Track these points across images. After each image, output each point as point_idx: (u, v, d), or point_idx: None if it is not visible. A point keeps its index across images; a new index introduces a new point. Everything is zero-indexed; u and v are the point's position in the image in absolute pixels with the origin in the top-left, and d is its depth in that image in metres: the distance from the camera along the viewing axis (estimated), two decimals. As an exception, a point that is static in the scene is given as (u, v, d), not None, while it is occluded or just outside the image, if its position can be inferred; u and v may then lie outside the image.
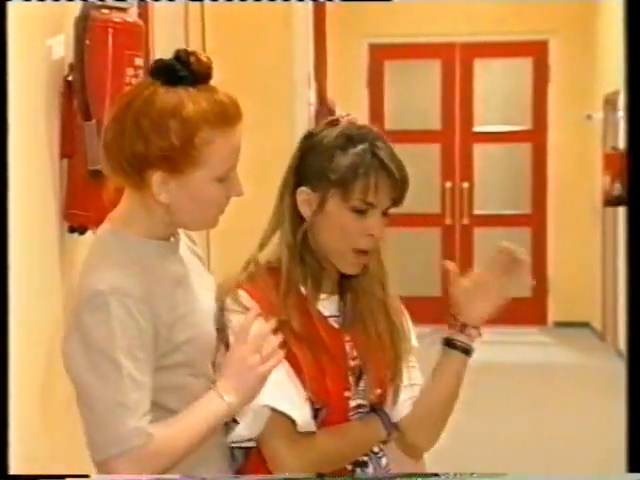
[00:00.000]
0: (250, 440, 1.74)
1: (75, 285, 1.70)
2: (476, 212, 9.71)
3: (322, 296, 1.77)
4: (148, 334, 1.64)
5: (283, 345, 1.69)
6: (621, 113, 8.08)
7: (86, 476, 1.67)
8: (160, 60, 1.70)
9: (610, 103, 8.56)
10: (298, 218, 1.75)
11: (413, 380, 1.81)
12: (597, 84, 9.12)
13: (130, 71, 2.52)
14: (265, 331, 1.69)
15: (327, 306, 1.77)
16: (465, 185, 9.67)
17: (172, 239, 1.75)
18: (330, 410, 1.74)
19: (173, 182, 1.66)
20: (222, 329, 1.75)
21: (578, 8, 9.32)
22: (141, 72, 2.56)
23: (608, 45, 8.72)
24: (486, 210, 9.71)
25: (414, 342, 1.84)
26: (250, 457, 1.77)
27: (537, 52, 9.62)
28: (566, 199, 9.54)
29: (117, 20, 2.50)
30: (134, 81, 2.52)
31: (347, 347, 1.76)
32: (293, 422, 1.71)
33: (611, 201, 8.07)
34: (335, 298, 1.78)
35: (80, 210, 2.52)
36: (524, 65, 9.66)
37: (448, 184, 9.69)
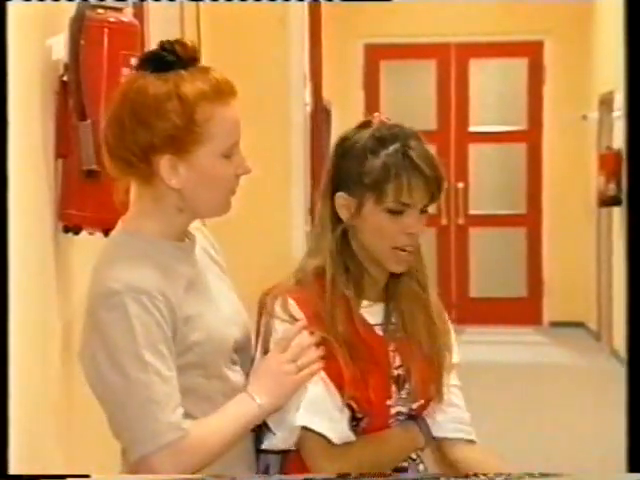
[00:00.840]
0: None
1: (88, 285, 1.70)
2: (471, 212, 9.72)
3: (366, 303, 1.77)
4: (167, 329, 1.65)
5: (323, 358, 1.71)
6: (616, 113, 8.09)
7: (86, 476, 1.67)
8: (146, 53, 1.73)
9: (605, 103, 8.57)
10: (338, 223, 1.76)
11: (453, 399, 1.82)
12: (592, 84, 9.13)
13: (126, 71, 2.51)
14: (306, 343, 1.71)
15: (372, 313, 1.77)
16: (460, 185, 9.68)
17: (187, 240, 1.76)
18: (371, 419, 1.74)
19: (181, 164, 1.68)
20: (265, 335, 1.76)
21: (573, 9, 9.33)
22: (136, 72, 2.56)
23: (603, 45, 8.73)
24: (481, 210, 9.72)
25: (455, 358, 1.83)
26: (286, 463, 1.78)
27: (532, 52, 9.63)
28: (561, 199, 9.55)
29: (112, 20, 2.50)
30: (129, 81, 2.52)
31: (391, 355, 1.76)
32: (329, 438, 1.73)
33: (606, 201, 8.08)
34: (380, 306, 1.78)
35: (75, 210, 2.52)
36: (519, 65, 9.67)
37: (443, 184, 9.70)
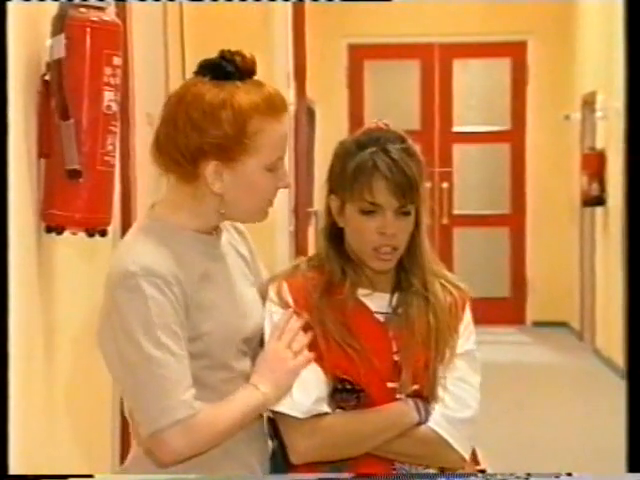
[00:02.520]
0: None
1: (109, 265, 1.76)
2: (455, 212, 9.74)
3: (366, 292, 1.84)
4: (181, 312, 1.71)
5: (314, 340, 1.80)
6: (599, 114, 8.12)
7: (87, 476, 1.71)
8: (205, 59, 1.79)
9: (588, 104, 8.60)
10: (333, 222, 1.86)
11: (446, 394, 1.84)
12: (575, 85, 9.17)
13: (108, 70, 2.50)
14: (296, 328, 1.79)
15: (374, 301, 1.84)
16: (444, 185, 9.70)
17: (214, 234, 1.81)
18: (372, 398, 1.80)
19: (226, 171, 1.74)
20: (266, 318, 1.84)
21: (556, 9, 9.36)
22: (119, 71, 2.55)
23: (586, 46, 8.76)
24: (465, 210, 9.74)
25: (466, 347, 1.87)
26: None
27: (515, 53, 9.66)
28: (544, 199, 9.58)
29: (95, 19, 2.49)
30: (112, 80, 2.51)
31: (391, 342, 1.82)
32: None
33: (589, 201, 8.11)
34: (386, 295, 1.85)
35: (57, 210, 2.51)
36: (503, 65, 9.70)
37: (428, 184, 9.70)
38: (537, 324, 9.60)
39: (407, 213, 1.82)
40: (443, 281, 1.88)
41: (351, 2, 8.64)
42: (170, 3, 4.45)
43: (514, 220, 9.76)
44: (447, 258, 9.75)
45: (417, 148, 1.87)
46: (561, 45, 9.33)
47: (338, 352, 1.80)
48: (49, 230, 2.53)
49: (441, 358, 1.83)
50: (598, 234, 8.24)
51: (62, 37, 2.43)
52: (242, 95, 1.73)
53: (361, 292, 1.85)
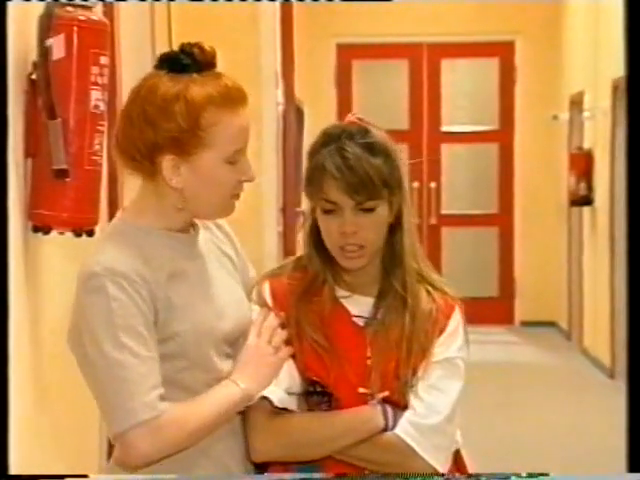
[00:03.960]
0: None
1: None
2: (444, 212, 9.75)
3: (346, 294, 1.82)
4: (148, 312, 1.69)
5: (296, 337, 1.79)
6: (586, 114, 8.13)
7: (86, 476, 1.70)
8: (164, 52, 1.77)
9: (575, 103, 8.62)
10: (314, 222, 1.84)
11: (416, 401, 1.79)
12: (562, 85, 9.18)
13: (95, 70, 2.50)
14: (275, 324, 1.78)
15: (356, 305, 1.82)
16: (433, 185, 9.70)
17: (191, 232, 1.79)
18: (342, 403, 1.78)
19: (184, 166, 1.71)
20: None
21: (544, 9, 9.37)
22: (107, 71, 2.54)
23: (573, 46, 8.78)
24: (454, 210, 9.75)
25: (446, 354, 1.81)
26: None
27: (503, 53, 9.67)
28: (532, 199, 9.60)
29: (82, 18, 2.48)
30: (99, 80, 2.50)
31: (367, 346, 1.79)
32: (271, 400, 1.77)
33: (576, 201, 8.13)
34: (370, 300, 1.82)
35: (44, 210, 2.50)
36: (491, 65, 9.71)
37: (416, 184, 9.71)
38: (525, 324, 9.62)
39: (369, 210, 1.78)
40: (429, 286, 1.84)
41: (340, 2, 8.63)
42: (157, 3, 4.44)
43: (502, 220, 9.78)
44: (435, 258, 9.76)
45: (388, 142, 1.83)
46: (549, 45, 9.35)
47: (311, 354, 1.78)
48: (36, 230, 2.52)
49: (413, 364, 1.78)
50: (586, 234, 8.26)
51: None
52: (196, 87, 1.70)
53: (342, 294, 1.82)
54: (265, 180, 5.24)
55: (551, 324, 9.47)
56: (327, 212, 1.78)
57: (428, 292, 1.83)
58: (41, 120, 2.46)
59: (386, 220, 1.81)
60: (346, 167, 1.76)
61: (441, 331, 1.82)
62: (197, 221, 1.81)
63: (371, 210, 1.78)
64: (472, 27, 9.51)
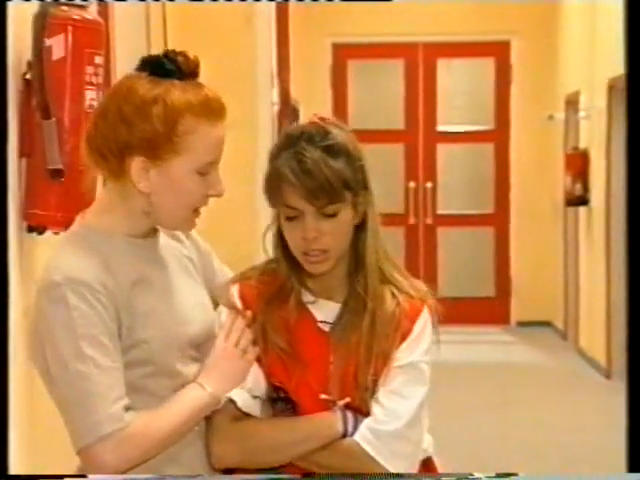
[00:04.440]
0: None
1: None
2: (439, 212, 9.75)
3: (311, 299, 1.79)
4: (110, 321, 1.66)
5: (261, 339, 1.77)
6: (582, 114, 8.13)
7: (86, 476, 1.67)
8: (149, 55, 1.74)
9: (571, 103, 8.62)
10: (278, 225, 1.81)
11: (376, 407, 1.75)
12: (558, 84, 9.19)
13: (90, 69, 2.49)
14: (242, 327, 1.76)
15: (322, 310, 1.79)
16: (428, 185, 9.70)
17: (153, 237, 1.76)
18: (304, 409, 1.75)
19: (153, 170, 1.69)
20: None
21: (540, 9, 9.38)
22: (101, 70, 2.53)
23: (569, 46, 8.78)
24: (449, 210, 9.75)
25: (410, 359, 1.78)
26: None
27: (499, 52, 9.67)
28: (528, 199, 9.60)
29: (76, 17, 2.47)
30: (94, 79, 2.50)
31: (330, 352, 1.77)
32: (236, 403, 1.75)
33: (572, 201, 8.13)
34: (336, 305, 1.79)
35: (39, 209, 2.49)
36: (486, 65, 9.71)
37: (411, 184, 9.71)
38: (521, 324, 9.62)
39: (331, 215, 1.73)
40: (394, 289, 1.79)
41: (337, 2, 8.62)
42: (153, 3, 4.43)
43: (498, 220, 9.78)
44: (431, 258, 9.76)
45: (349, 142, 1.77)
46: (544, 45, 9.35)
47: (274, 360, 1.76)
48: (31, 230, 2.51)
49: (374, 370, 1.75)
50: (581, 234, 8.26)
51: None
52: (177, 93, 1.68)
53: (309, 300, 1.79)
54: (260, 179, 5.23)
55: (547, 324, 9.47)
56: (289, 218, 1.74)
57: (393, 295, 1.78)
58: (36, 120, 2.45)
59: (350, 223, 1.76)
60: (303, 172, 1.72)
61: (405, 335, 1.78)
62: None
63: (333, 215, 1.74)
64: (468, 27, 9.51)
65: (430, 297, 1.84)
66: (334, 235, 1.74)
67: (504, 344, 9.10)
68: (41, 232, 2.52)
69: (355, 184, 1.75)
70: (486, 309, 9.58)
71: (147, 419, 1.66)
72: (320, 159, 1.73)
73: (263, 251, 1.84)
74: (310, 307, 1.79)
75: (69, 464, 2.66)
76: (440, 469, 1.85)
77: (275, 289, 1.79)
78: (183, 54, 1.72)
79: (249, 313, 1.77)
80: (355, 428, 1.74)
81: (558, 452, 5.50)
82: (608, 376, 7.16)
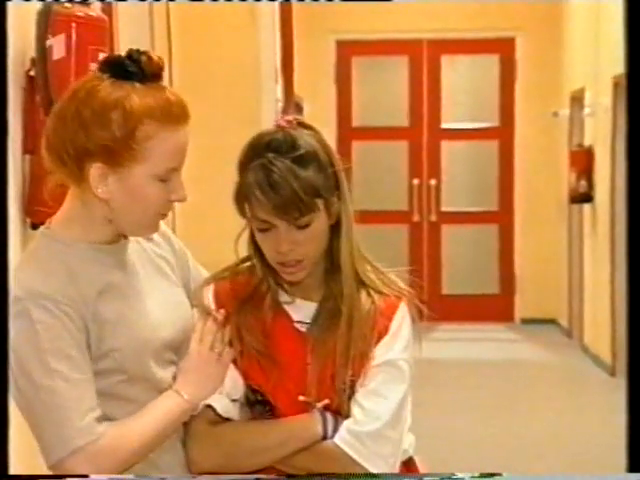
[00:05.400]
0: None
1: None
2: (444, 209, 9.74)
3: (288, 299, 1.76)
4: (78, 333, 1.63)
5: (236, 339, 1.73)
6: (587, 110, 8.12)
7: (86, 476, 1.65)
8: (109, 55, 1.70)
9: (576, 100, 8.60)
10: (251, 229, 1.76)
11: (355, 408, 1.73)
12: (563, 81, 9.17)
13: (94, 66, 2.47)
14: (216, 329, 1.72)
15: (299, 311, 1.76)
16: (433, 182, 9.69)
17: (121, 241, 1.72)
18: (283, 411, 1.73)
19: (112, 176, 1.64)
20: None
21: (544, 6, 9.36)
22: (105, 67, 2.53)
23: (574, 42, 8.77)
24: (454, 207, 9.74)
25: (387, 357, 1.74)
26: None
27: (504, 49, 9.66)
28: (533, 196, 9.59)
29: (80, 14, 2.47)
30: (98, 76, 2.49)
31: (307, 353, 1.74)
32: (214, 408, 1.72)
33: (577, 198, 8.11)
34: (312, 305, 1.76)
35: (43, 206, 2.48)
36: (491, 62, 9.69)
37: (416, 181, 9.70)
38: (525, 321, 9.61)
39: (304, 226, 1.69)
40: (369, 288, 1.75)
41: (338, 2, 8.60)
42: (156, 3, 4.42)
43: (502, 217, 9.76)
44: (435, 255, 9.75)
45: (318, 149, 1.70)
46: (549, 42, 9.33)
47: (251, 362, 1.73)
48: (35, 227, 2.51)
49: (352, 371, 1.71)
50: (586, 231, 8.25)
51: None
52: (136, 98, 1.62)
53: (285, 300, 1.76)
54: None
55: (551, 321, 9.46)
56: (262, 231, 1.70)
57: (368, 294, 1.75)
58: (39, 117, 2.45)
59: (325, 228, 1.73)
60: (270, 186, 1.67)
61: (381, 334, 1.74)
62: None
63: (306, 226, 1.70)
64: (472, 23, 9.50)
65: (407, 293, 1.79)
66: (308, 245, 1.71)
67: (508, 342, 9.09)
68: (45, 229, 2.51)
69: (326, 191, 1.71)
70: (490, 306, 9.57)
71: (121, 430, 1.63)
72: (288, 171, 1.67)
73: (234, 253, 1.79)
74: (286, 307, 1.76)
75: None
76: (422, 469, 1.82)
77: (250, 289, 1.75)
78: (147, 54, 1.66)
79: (222, 312, 1.74)
80: (335, 430, 1.72)
81: (563, 450, 5.49)
82: (613, 373, 7.15)
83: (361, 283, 1.76)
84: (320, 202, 1.70)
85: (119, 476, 1.64)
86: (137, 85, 1.64)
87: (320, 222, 1.71)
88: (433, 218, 9.70)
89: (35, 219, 2.51)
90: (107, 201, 1.65)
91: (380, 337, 1.74)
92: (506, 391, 7.14)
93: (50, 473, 1.68)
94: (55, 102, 2.40)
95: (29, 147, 2.47)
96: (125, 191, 1.64)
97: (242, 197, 1.70)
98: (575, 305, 8.68)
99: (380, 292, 1.76)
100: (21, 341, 1.61)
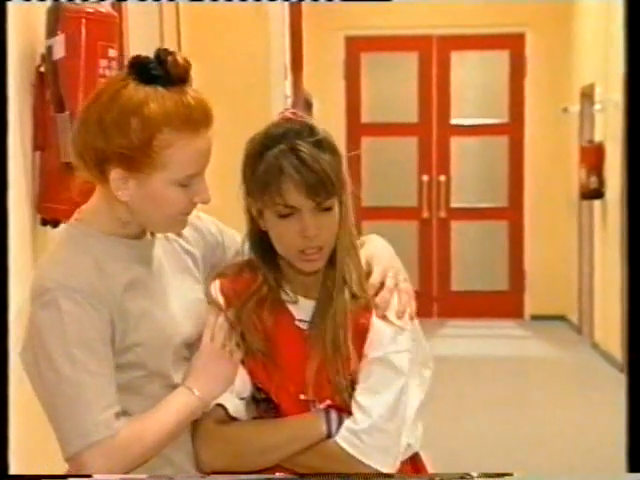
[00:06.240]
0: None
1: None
2: (453, 205, 9.72)
3: (292, 297, 1.77)
4: (104, 326, 1.64)
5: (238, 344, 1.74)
6: (597, 106, 8.10)
7: (86, 476, 1.66)
8: (137, 56, 1.68)
9: (586, 96, 8.58)
10: (255, 225, 1.76)
11: (355, 407, 1.73)
12: (573, 77, 9.14)
13: (104, 62, 2.49)
14: (227, 326, 1.72)
15: (301, 309, 1.77)
16: (442, 178, 9.68)
17: (147, 237, 1.73)
18: (285, 410, 1.74)
19: (132, 181, 1.65)
20: None
21: (554, 1, 9.33)
22: (115, 64, 2.53)
23: (584, 38, 8.74)
24: (463, 203, 9.72)
25: (378, 353, 1.74)
26: None
27: (514, 45, 9.63)
28: (543, 192, 9.56)
29: (90, 10, 2.47)
30: (108, 72, 2.49)
31: (308, 351, 1.75)
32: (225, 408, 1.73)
33: (587, 194, 8.09)
34: (312, 303, 1.77)
35: (53, 203, 2.49)
36: (501, 58, 9.67)
37: (425, 177, 9.69)
38: (535, 318, 9.59)
39: (328, 209, 1.70)
40: (353, 285, 1.75)
41: (349, 2, 8.58)
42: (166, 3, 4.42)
43: (512, 213, 9.74)
44: (445, 251, 9.74)
45: (330, 136, 1.73)
46: (559, 37, 9.31)
47: (254, 361, 1.74)
48: (44, 223, 2.52)
49: (348, 368, 1.72)
50: (596, 227, 8.23)
51: (62, 37, 2.41)
52: (156, 104, 1.61)
53: (287, 298, 1.76)
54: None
55: (561, 318, 9.44)
56: (284, 216, 1.69)
57: (350, 290, 1.75)
58: (49, 113, 2.45)
59: (338, 218, 1.74)
60: (304, 167, 1.67)
61: (366, 330, 1.75)
62: None
63: (329, 209, 1.71)
64: (482, 19, 9.48)
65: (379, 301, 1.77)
66: (329, 231, 1.72)
67: (518, 338, 9.07)
68: (55, 225, 2.52)
69: (341, 179, 1.73)
70: (500, 303, 9.56)
71: (136, 426, 1.63)
72: (315, 153, 1.69)
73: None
74: (288, 305, 1.76)
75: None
76: (428, 465, 1.82)
77: (253, 288, 1.75)
78: (174, 56, 1.64)
79: (232, 312, 1.74)
80: (338, 428, 1.73)
81: (572, 447, 5.48)
82: (623, 370, 7.13)
83: (345, 281, 1.76)
84: (338, 189, 1.71)
85: (129, 476, 1.64)
86: (159, 89, 1.63)
87: (336, 209, 1.73)
88: (442, 214, 9.68)
89: (45, 215, 2.51)
90: (128, 203, 1.66)
91: (364, 334, 1.75)
92: (515, 388, 7.13)
93: (48, 473, 1.69)
94: (64, 99, 2.41)
95: (39, 143, 2.47)
96: (145, 195, 1.65)
97: (269, 182, 1.69)
98: (585, 301, 8.66)
99: (363, 288, 1.75)
100: (48, 331, 1.61)
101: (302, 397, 1.74)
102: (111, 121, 1.62)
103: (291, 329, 1.76)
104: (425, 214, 9.68)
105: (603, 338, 7.93)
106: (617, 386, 6.91)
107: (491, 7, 9.41)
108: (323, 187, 1.69)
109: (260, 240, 1.75)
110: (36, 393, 1.66)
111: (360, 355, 1.74)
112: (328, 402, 1.74)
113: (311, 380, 1.73)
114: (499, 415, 6.26)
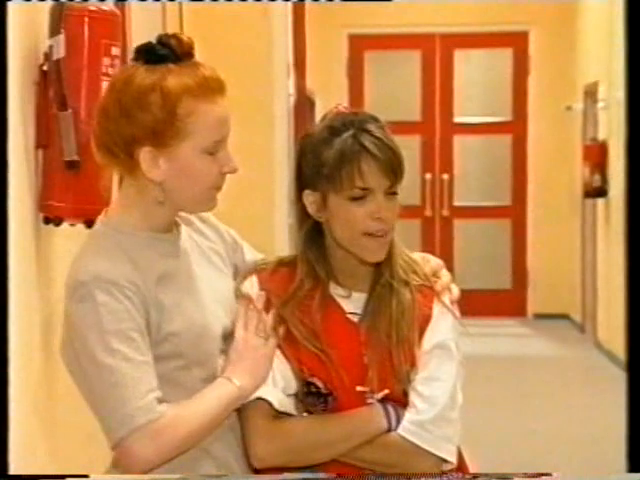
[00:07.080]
0: None
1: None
2: (456, 204, 9.72)
3: (342, 292, 1.78)
4: (140, 317, 1.67)
5: (280, 324, 1.75)
6: (601, 104, 8.09)
7: (86, 476, 1.68)
8: (141, 44, 1.73)
9: (589, 94, 8.57)
10: (307, 220, 1.78)
11: (415, 397, 1.74)
12: (577, 75, 9.14)
13: (107, 60, 2.49)
14: (258, 314, 1.75)
15: (350, 302, 1.78)
16: (445, 177, 9.67)
17: (174, 231, 1.76)
18: (341, 402, 1.74)
19: (162, 157, 1.68)
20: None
21: (558, -1, 9.33)
22: (118, 62, 2.53)
23: (588, 36, 8.73)
24: (466, 202, 9.72)
25: (434, 340, 1.76)
26: None
27: (517, 43, 9.63)
28: (546, 191, 9.56)
29: (93, 8, 2.47)
30: (111, 71, 2.49)
31: (362, 343, 1.75)
32: (271, 403, 1.73)
33: (590, 192, 8.09)
34: (362, 295, 1.78)
35: (56, 201, 2.49)
36: (504, 56, 9.67)
37: (428, 175, 9.69)
38: (538, 316, 9.59)
39: (395, 193, 1.74)
40: (412, 274, 1.79)
41: (352, 0, 8.59)
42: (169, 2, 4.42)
43: (515, 212, 9.74)
44: (447, 250, 9.74)
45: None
46: (563, 35, 9.30)
47: (305, 355, 1.74)
48: (47, 221, 2.51)
49: (408, 357, 1.74)
50: (600, 226, 8.22)
51: (62, 37, 2.41)
52: (172, 78, 1.67)
53: (336, 292, 1.77)
54: (276, 172, 5.23)
55: (564, 317, 9.44)
56: (356, 199, 1.71)
57: (406, 284, 1.78)
58: (52, 111, 2.45)
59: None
60: (384, 146, 1.71)
61: (425, 323, 1.77)
62: (178, 218, 1.78)
63: (396, 193, 1.74)
64: (485, 17, 9.47)
65: (438, 285, 1.83)
66: (395, 215, 1.75)
67: (521, 337, 9.07)
68: (58, 224, 2.52)
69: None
70: (503, 301, 9.56)
71: (179, 412, 1.65)
72: (387, 135, 1.74)
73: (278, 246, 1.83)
74: (338, 299, 1.78)
75: (70, 464, 2.67)
76: (469, 462, 1.83)
77: (296, 283, 1.77)
78: (176, 36, 1.71)
79: (262, 295, 1.76)
80: (398, 421, 1.73)
81: (575, 446, 5.48)
82: (626, 372, 7.12)
83: (403, 269, 1.79)
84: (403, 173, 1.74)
85: (152, 476, 1.65)
86: (171, 66, 1.69)
87: (398, 195, 1.75)
88: (445, 213, 9.68)
89: (47, 213, 2.51)
90: (160, 183, 1.70)
91: (424, 326, 1.77)
92: (518, 386, 7.12)
93: (48, 473, 1.70)
94: (67, 97, 2.41)
95: (42, 141, 2.47)
96: (177, 170, 1.69)
97: (333, 170, 1.71)
98: (588, 300, 8.66)
99: (421, 278, 1.79)
100: (85, 323, 1.65)
101: (359, 389, 1.74)
102: (131, 102, 1.67)
103: (343, 321, 1.76)
104: (428, 212, 9.68)
105: (606, 337, 7.93)
106: (620, 385, 6.90)
107: (494, 5, 9.41)
108: (399, 167, 1.72)
109: (314, 233, 1.77)
110: (79, 389, 1.69)
111: (421, 343, 1.76)
112: (386, 391, 1.74)
113: (374, 372, 1.73)
114: (501, 413, 6.26)
